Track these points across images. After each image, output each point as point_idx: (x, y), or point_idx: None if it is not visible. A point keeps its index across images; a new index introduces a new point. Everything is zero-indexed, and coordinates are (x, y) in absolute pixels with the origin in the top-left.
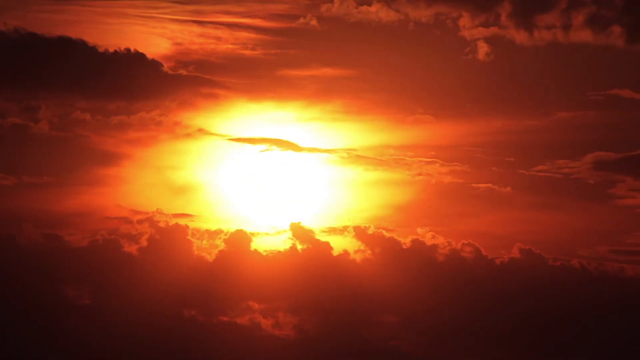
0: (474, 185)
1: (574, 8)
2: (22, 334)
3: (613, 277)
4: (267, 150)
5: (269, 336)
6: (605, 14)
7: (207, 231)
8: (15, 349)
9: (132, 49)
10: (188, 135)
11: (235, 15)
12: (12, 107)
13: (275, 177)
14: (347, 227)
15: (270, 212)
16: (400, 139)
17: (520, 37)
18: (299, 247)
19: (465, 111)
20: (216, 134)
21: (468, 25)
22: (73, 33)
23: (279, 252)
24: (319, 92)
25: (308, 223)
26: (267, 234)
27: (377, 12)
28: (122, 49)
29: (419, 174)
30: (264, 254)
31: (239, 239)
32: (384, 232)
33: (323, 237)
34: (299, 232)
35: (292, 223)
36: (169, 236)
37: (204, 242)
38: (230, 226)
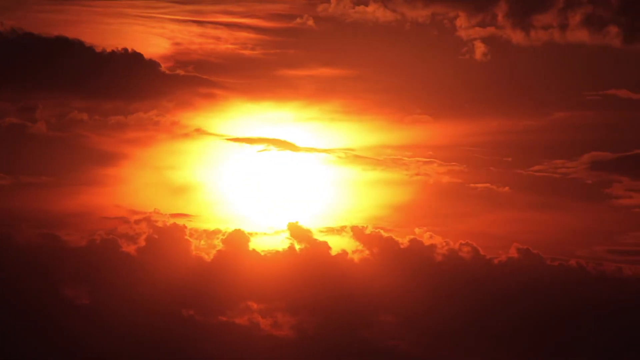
0: (472, 185)
1: (570, 8)
2: (20, 334)
3: (611, 277)
4: (265, 150)
5: (268, 336)
6: (602, 14)
7: (205, 231)
8: (13, 349)
9: (129, 49)
10: (186, 135)
11: (234, 15)
12: (9, 107)
13: (274, 177)
14: (345, 227)
15: (268, 212)
16: (398, 139)
17: (517, 37)
18: (297, 247)
19: (463, 111)
20: (214, 134)
21: (465, 26)
22: (72, 33)
23: (277, 252)
24: (317, 92)
25: (306, 223)
26: (265, 233)
27: (374, 12)
28: (119, 48)
29: (417, 174)
30: (262, 254)
31: (237, 239)
32: (382, 232)
33: (321, 237)
34: (297, 232)
35: (289, 223)
36: (167, 236)
37: (202, 242)
38: (228, 226)
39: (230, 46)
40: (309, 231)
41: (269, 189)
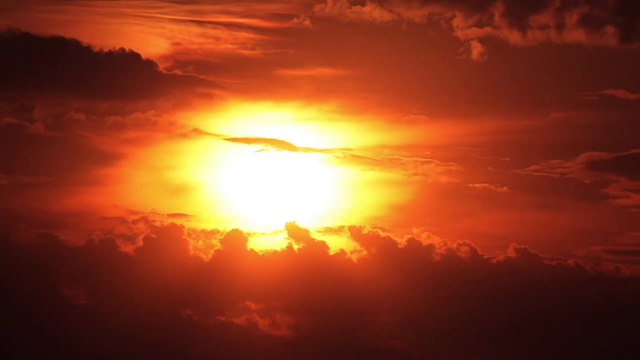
0: (469, 185)
1: (567, 8)
2: (18, 334)
3: (609, 277)
4: (263, 150)
5: (266, 336)
6: (599, 14)
7: (203, 231)
8: (12, 349)
9: (126, 49)
10: (184, 135)
11: (234, 15)
12: (6, 107)
13: (272, 177)
14: (343, 227)
15: (267, 212)
16: (396, 139)
17: (513, 37)
18: (295, 247)
19: (461, 111)
20: (212, 134)
21: (461, 26)
22: (71, 33)
23: (275, 252)
24: (315, 92)
25: (304, 223)
26: (263, 233)
27: (371, 13)
28: (116, 48)
29: (415, 174)
30: (260, 253)
31: (235, 239)
32: (380, 232)
33: (319, 237)
34: (295, 232)
35: (287, 223)
36: (165, 236)
37: (200, 242)
38: (226, 226)
39: (229, 46)
40: (307, 231)
41: (267, 189)
